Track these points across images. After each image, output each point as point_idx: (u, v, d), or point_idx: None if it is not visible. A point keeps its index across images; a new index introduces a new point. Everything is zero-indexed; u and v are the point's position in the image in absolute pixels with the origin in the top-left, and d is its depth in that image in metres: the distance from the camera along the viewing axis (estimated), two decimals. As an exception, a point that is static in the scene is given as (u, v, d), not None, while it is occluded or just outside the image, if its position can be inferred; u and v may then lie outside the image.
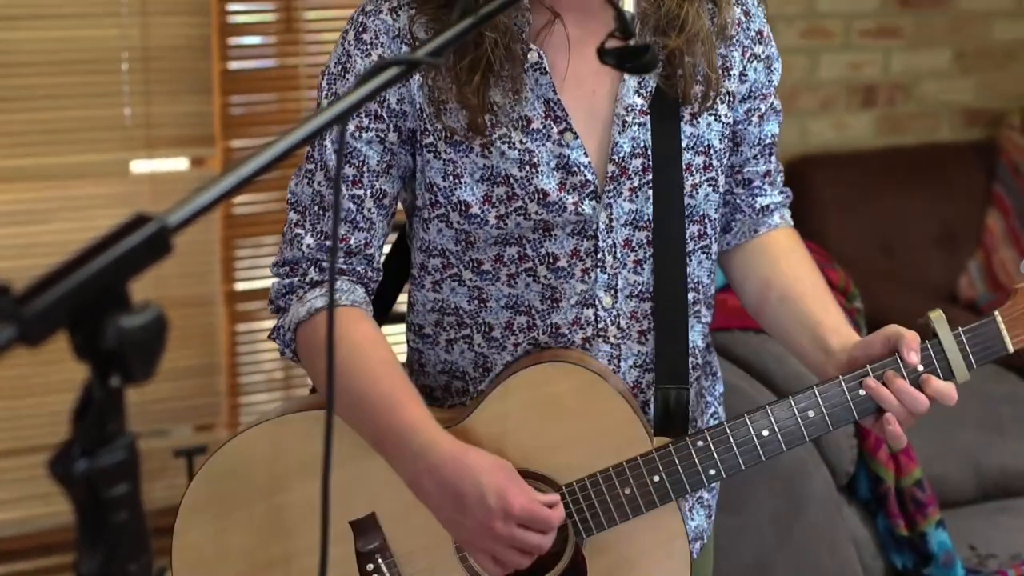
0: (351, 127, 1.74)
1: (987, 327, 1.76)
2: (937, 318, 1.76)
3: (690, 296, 1.84)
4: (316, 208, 1.80)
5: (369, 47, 1.73)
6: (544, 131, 1.73)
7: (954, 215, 4.49)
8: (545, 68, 1.72)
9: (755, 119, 1.87)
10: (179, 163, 3.81)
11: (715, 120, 1.81)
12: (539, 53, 1.72)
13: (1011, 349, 1.78)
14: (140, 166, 3.72)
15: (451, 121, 1.72)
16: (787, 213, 2.01)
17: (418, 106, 1.75)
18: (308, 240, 1.79)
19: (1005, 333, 1.77)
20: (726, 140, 1.84)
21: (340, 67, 1.76)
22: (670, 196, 1.78)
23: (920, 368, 1.71)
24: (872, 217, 4.37)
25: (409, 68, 1.15)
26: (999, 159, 4.57)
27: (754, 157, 1.91)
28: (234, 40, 3.74)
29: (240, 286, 3.82)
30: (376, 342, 1.77)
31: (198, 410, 3.80)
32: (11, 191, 3.57)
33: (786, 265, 1.93)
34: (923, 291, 4.22)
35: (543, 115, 1.74)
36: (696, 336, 1.88)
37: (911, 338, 1.71)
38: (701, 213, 1.84)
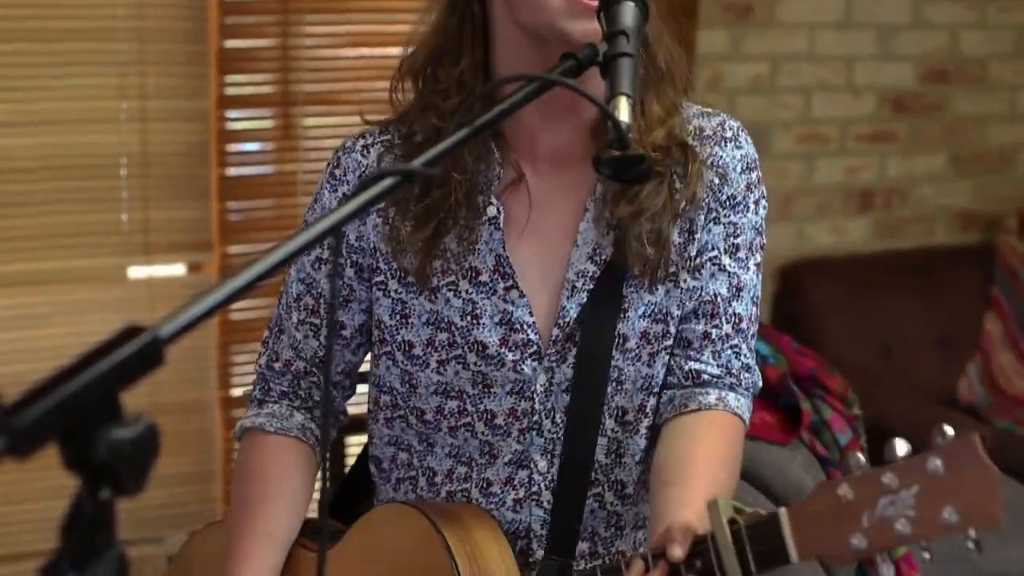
0: (311, 256, 1.79)
1: (766, 526, 1.45)
2: (713, 506, 1.46)
3: (596, 476, 1.81)
4: (276, 328, 1.88)
5: (337, 183, 1.79)
6: (491, 285, 1.74)
7: (952, 319, 4.47)
8: (499, 224, 1.72)
9: (692, 272, 1.78)
10: (176, 268, 3.79)
11: (674, 286, 1.77)
12: (498, 208, 1.72)
13: (794, 558, 1.41)
14: (137, 271, 3.71)
15: (405, 262, 1.74)
16: (735, 400, 1.81)
17: (372, 244, 1.77)
18: (262, 360, 1.88)
19: (789, 538, 1.42)
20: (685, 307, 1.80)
21: (314, 198, 1.83)
22: (593, 367, 1.74)
23: (697, 564, 1.48)
24: (870, 321, 4.36)
25: (405, 178, 1.16)
26: (996, 262, 4.58)
27: (693, 314, 1.80)
28: (232, 146, 3.74)
29: (236, 392, 3.79)
30: (273, 478, 1.81)
31: (193, 516, 3.75)
32: (7, 296, 3.55)
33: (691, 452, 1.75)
34: (922, 395, 4.20)
35: (492, 269, 1.74)
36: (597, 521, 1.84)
37: (680, 531, 1.49)
38: (660, 384, 1.81)
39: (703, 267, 1.78)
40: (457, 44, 1.70)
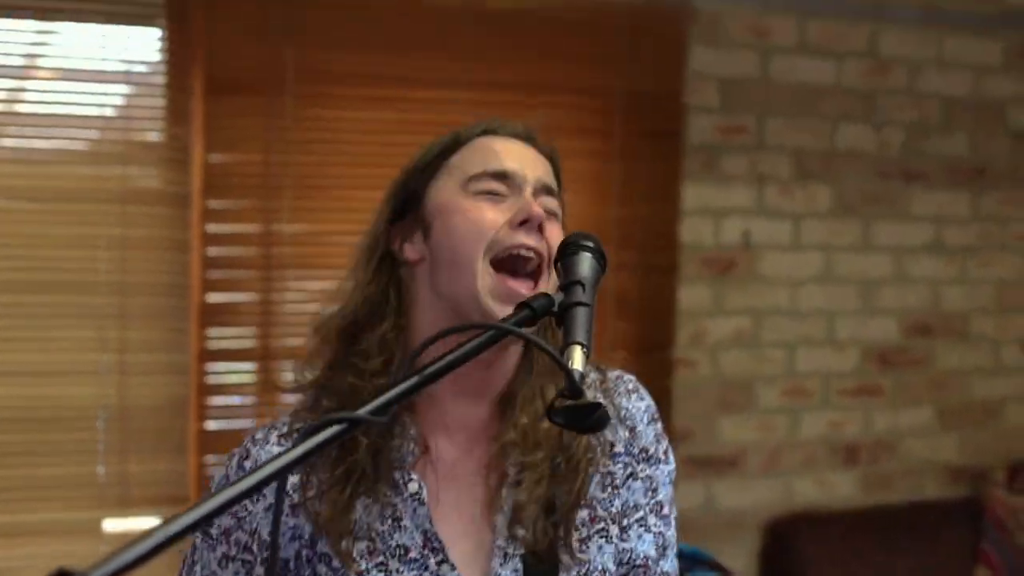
0: (218, 553, 1.69)
1: None
2: None
3: None
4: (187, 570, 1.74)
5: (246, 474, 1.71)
6: (422, 561, 1.68)
7: (942, 573, 4.41)
8: (423, 499, 1.68)
9: (619, 533, 1.76)
10: (152, 522, 3.70)
11: (606, 542, 1.74)
12: (419, 483, 1.68)
13: None
14: (112, 524, 3.66)
15: (326, 547, 1.68)
16: None
17: (300, 530, 1.69)
18: None
19: None
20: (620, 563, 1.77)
21: (219, 488, 1.70)
22: None
23: None
24: (859, 577, 4.26)
25: (351, 426, 1.16)
26: (985, 516, 4.53)
27: None
28: (212, 400, 3.73)
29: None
30: None
31: None
32: (-21, 548, 3.48)
33: None
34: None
35: (421, 545, 1.68)
36: None
37: None
38: None
39: (630, 529, 1.77)
40: (381, 307, 1.71)
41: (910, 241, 4.66)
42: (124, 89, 3.66)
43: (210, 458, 3.71)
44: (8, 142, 3.57)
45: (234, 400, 3.81)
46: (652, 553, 1.78)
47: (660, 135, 4.21)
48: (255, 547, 1.69)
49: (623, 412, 1.78)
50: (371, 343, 1.69)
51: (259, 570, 1.69)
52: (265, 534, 1.69)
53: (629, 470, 1.77)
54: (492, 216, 1.66)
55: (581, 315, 1.39)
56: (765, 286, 4.45)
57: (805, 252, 4.52)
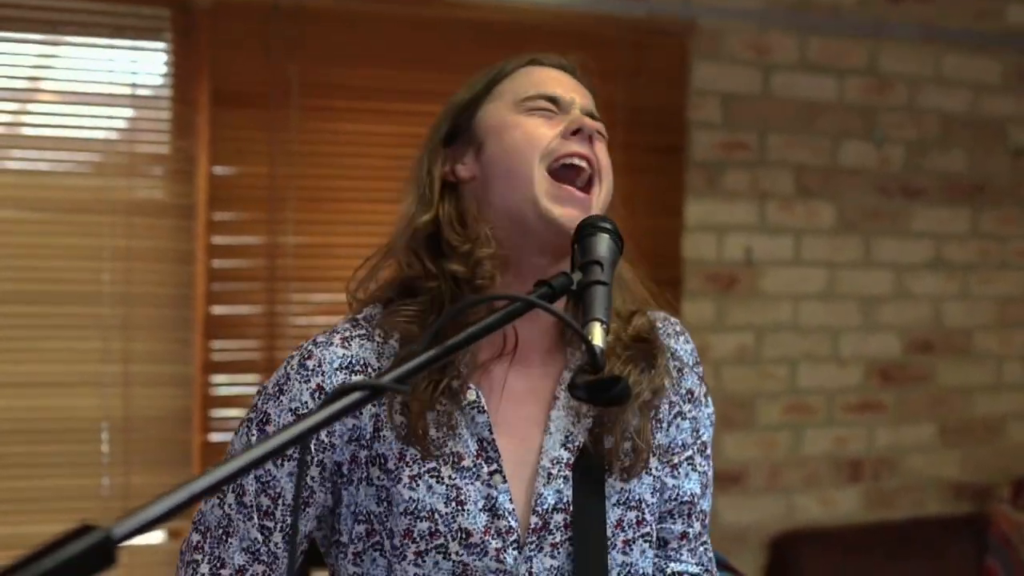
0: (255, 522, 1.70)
1: None
2: None
3: None
4: (220, 532, 1.72)
5: (310, 373, 1.69)
6: (475, 470, 1.69)
7: (947, 592, 4.38)
8: (483, 407, 1.70)
9: (669, 471, 1.83)
10: (156, 535, 3.71)
11: (646, 473, 1.78)
12: (477, 392, 1.70)
13: None
14: None
15: (383, 448, 1.69)
16: None
17: (360, 431, 1.71)
18: (203, 568, 1.72)
19: None
20: (657, 494, 1.81)
21: (277, 388, 1.71)
22: (591, 557, 1.71)
23: None
24: (863, 594, 4.25)
25: (374, 393, 1.16)
26: (990, 532, 4.52)
27: (670, 514, 1.85)
28: (216, 413, 3.72)
29: None
30: None
31: None
32: (-19, 562, 3.48)
33: None
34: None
35: (475, 454, 1.70)
36: None
37: None
38: (641, 572, 1.78)
39: (679, 467, 1.84)
40: (450, 231, 1.73)
41: (911, 258, 4.66)
42: (130, 102, 3.67)
43: None
44: (14, 160, 3.59)
45: (238, 413, 3.77)
46: (697, 491, 1.86)
47: (663, 150, 4.21)
48: (311, 447, 1.70)
49: (671, 351, 1.84)
50: (470, 242, 1.71)
51: (314, 471, 1.70)
52: (323, 434, 1.69)
53: (676, 409, 1.83)
54: (545, 130, 1.71)
55: (600, 293, 1.41)
56: (767, 302, 4.45)
57: (807, 268, 4.51)
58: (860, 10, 4.52)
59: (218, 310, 3.72)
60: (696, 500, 1.86)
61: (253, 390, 3.76)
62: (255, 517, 1.71)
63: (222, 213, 3.72)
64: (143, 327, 3.65)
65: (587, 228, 1.53)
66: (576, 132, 1.70)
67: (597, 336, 1.34)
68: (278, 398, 1.70)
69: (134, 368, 3.64)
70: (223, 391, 3.75)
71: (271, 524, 1.70)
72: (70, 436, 3.59)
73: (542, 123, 1.73)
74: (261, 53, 3.74)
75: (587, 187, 1.70)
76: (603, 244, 1.50)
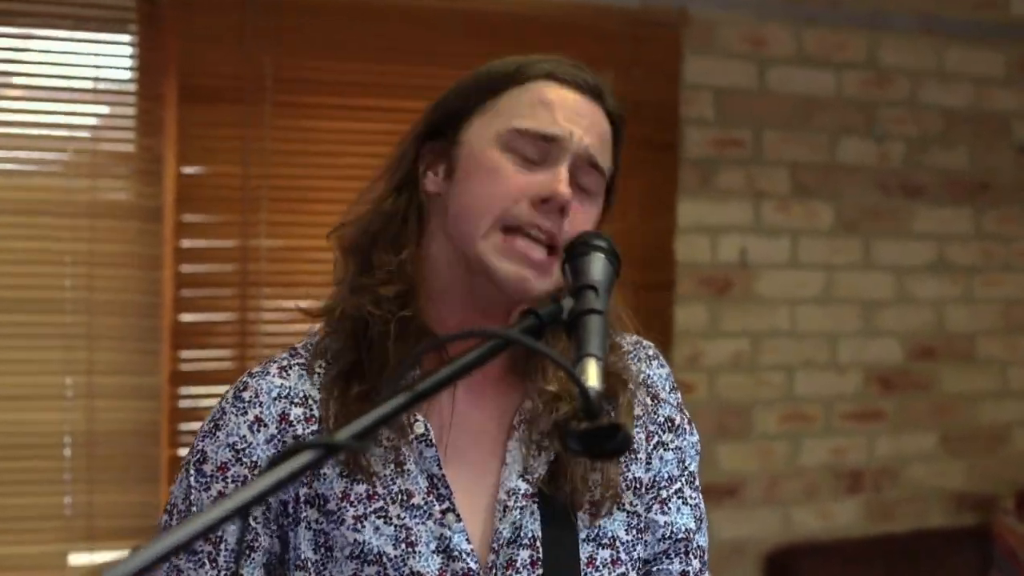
0: (212, 492, 1.59)
1: None
2: None
3: None
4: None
5: (247, 405, 1.62)
6: (426, 508, 1.58)
7: (950, 606, 4.35)
8: (431, 440, 1.59)
9: (657, 506, 1.70)
10: (121, 556, 3.56)
11: (618, 509, 1.65)
12: (425, 424, 1.59)
13: None
14: (79, 559, 3.56)
15: (323, 487, 1.58)
16: None
17: None
18: None
19: None
20: (633, 531, 1.67)
21: (212, 424, 1.63)
22: None
23: None
24: (864, 609, 4.22)
25: (327, 452, 1.07)
26: (994, 545, 4.46)
27: (665, 554, 1.71)
28: (185, 426, 3.62)
29: None
30: None
31: None
32: (-64, 587, 3.43)
33: None
34: None
35: (425, 491, 1.59)
36: None
37: None
38: None
39: (669, 501, 1.71)
40: (400, 230, 1.63)
41: (912, 259, 4.59)
42: (93, 98, 3.61)
43: None
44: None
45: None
46: (692, 525, 1.73)
47: (655, 147, 4.12)
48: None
49: (643, 377, 1.71)
50: (389, 266, 1.60)
51: (257, 511, 1.60)
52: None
53: (656, 439, 1.70)
54: (517, 185, 1.56)
55: (594, 324, 1.28)
56: (763, 307, 4.36)
57: (804, 271, 4.43)
58: (858, 0, 4.45)
59: (187, 318, 3.66)
60: (692, 535, 1.73)
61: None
62: (192, 568, 1.60)
63: (191, 215, 3.66)
64: (107, 336, 3.57)
65: (579, 246, 1.42)
66: (546, 201, 1.54)
67: (593, 376, 1.21)
68: (214, 434, 1.63)
69: (98, 380, 3.55)
70: (192, 403, 3.67)
71: (214, 573, 1.59)
72: (30, 452, 3.53)
73: (518, 173, 1.56)
74: (233, 45, 3.67)
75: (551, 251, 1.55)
76: (598, 266, 1.38)
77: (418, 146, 1.66)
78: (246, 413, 1.61)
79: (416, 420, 1.59)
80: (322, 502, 1.58)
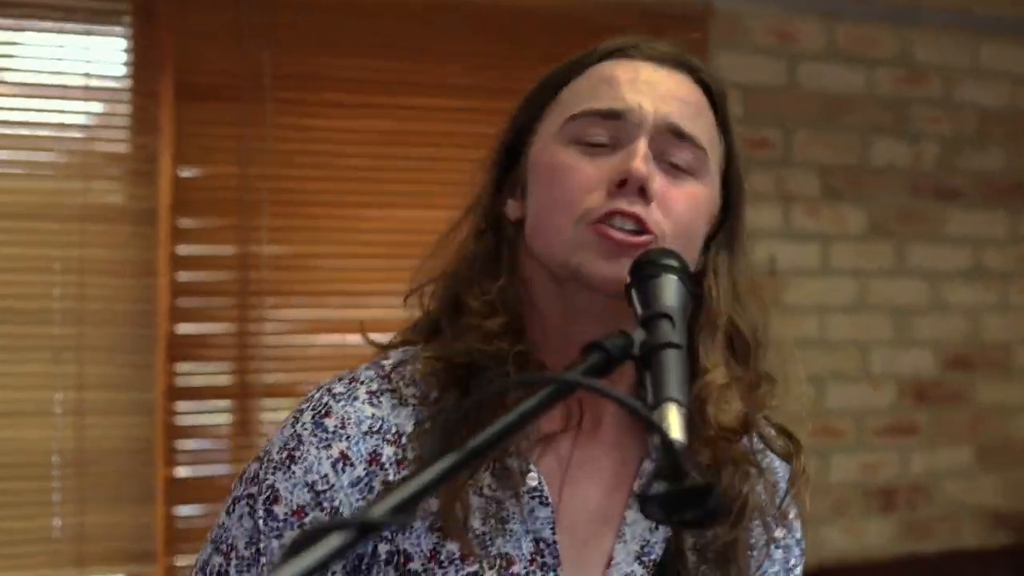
0: (286, 540, 1.36)
1: None
2: None
3: None
4: None
5: (331, 437, 1.37)
6: None
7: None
8: (546, 498, 1.37)
9: None
10: (114, 583, 3.49)
11: None
12: (540, 477, 1.37)
13: None
14: None
15: (407, 542, 1.36)
16: None
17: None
18: None
19: None
20: None
21: (286, 454, 1.38)
22: None
23: None
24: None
25: (361, 534, 0.88)
26: (1031, 568, 4.41)
27: None
28: (181, 443, 3.56)
29: None
30: None
31: None
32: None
33: None
34: None
35: (529, 558, 1.38)
36: None
37: None
38: None
39: None
40: (493, 264, 1.43)
41: (947, 265, 4.48)
42: (84, 95, 3.55)
43: (179, 509, 3.53)
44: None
45: (206, 444, 3.65)
46: None
47: (679, 148, 3.95)
48: None
49: (767, 462, 1.47)
50: (489, 298, 1.40)
51: None
52: (347, 512, 1.37)
53: (768, 534, 1.47)
54: (587, 176, 1.34)
55: (672, 361, 1.09)
56: (791, 315, 4.22)
57: (834, 278, 4.32)
58: (891, -6, 4.37)
59: (183, 329, 3.59)
60: None
61: (222, 419, 3.65)
62: None
63: (188, 219, 3.60)
64: (98, 348, 3.50)
65: (646, 266, 1.22)
66: (622, 184, 1.32)
67: (675, 425, 1.03)
68: (288, 468, 1.37)
69: (88, 395, 3.48)
70: (189, 420, 3.60)
71: None
72: (16, 471, 3.44)
73: (586, 164, 1.35)
74: (231, 39, 3.60)
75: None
76: (670, 290, 1.18)
77: (495, 175, 1.47)
78: (330, 446, 1.37)
79: (530, 471, 1.38)
80: (404, 560, 1.37)
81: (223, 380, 3.63)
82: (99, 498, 3.46)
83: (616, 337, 1.11)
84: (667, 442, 0.99)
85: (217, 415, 3.64)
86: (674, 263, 1.21)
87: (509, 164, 1.45)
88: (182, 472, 3.54)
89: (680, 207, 1.33)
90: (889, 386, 4.40)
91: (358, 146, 3.73)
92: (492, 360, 1.35)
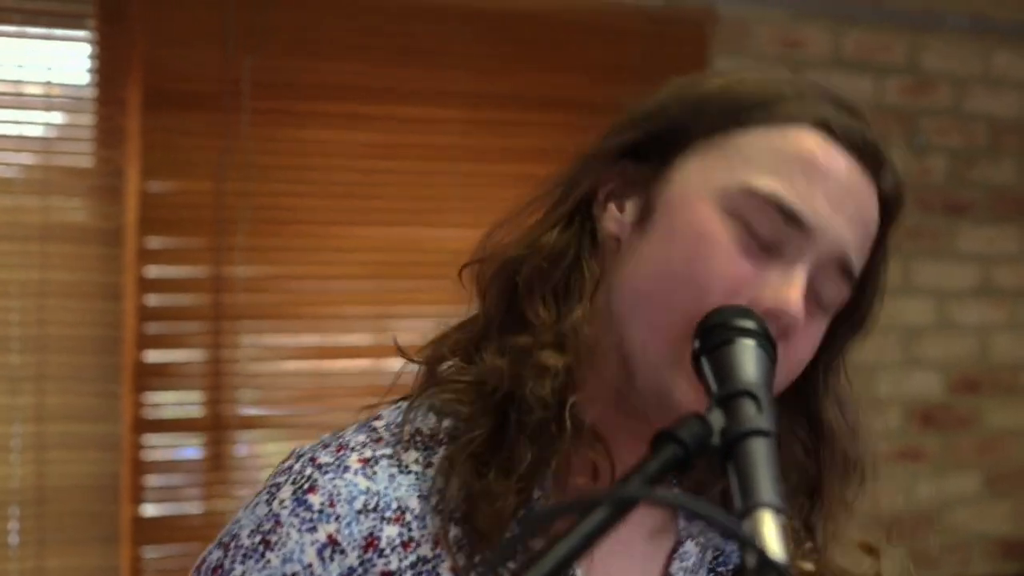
0: None
1: None
2: None
3: None
4: None
5: (316, 518, 1.16)
6: None
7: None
8: None
9: None
10: (75, 629, 3.40)
11: None
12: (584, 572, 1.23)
13: None
14: None
15: None
16: None
17: None
18: None
19: None
20: None
21: (260, 539, 1.16)
22: None
23: None
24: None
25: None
26: (1042, 599, 4.34)
27: None
28: (149, 480, 3.49)
29: None
30: None
31: None
32: None
33: None
34: None
35: None
36: None
37: None
38: None
39: None
40: (568, 277, 1.21)
41: (955, 283, 4.43)
42: (44, 104, 3.51)
43: (147, 550, 3.44)
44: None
45: (176, 480, 3.58)
46: None
47: (680, 159, 3.87)
48: None
49: None
50: (555, 326, 1.19)
51: None
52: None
53: None
54: (732, 274, 1.13)
55: (761, 452, 0.92)
56: None
57: None
58: (901, -1, 4.32)
59: (151, 356, 3.53)
60: None
61: (193, 453, 3.58)
62: None
63: (156, 238, 3.54)
64: (60, 378, 3.44)
65: (716, 329, 1.06)
66: (768, 313, 1.13)
67: (771, 537, 0.86)
68: (262, 556, 1.15)
69: (49, 428, 3.42)
70: (157, 454, 3.53)
71: None
72: None
73: (739, 255, 1.14)
74: (207, 44, 3.53)
75: None
76: (748, 359, 1.02)
77: (605, 166, 1.25)
78: (315, 529, 1.16)
79: (575, 570, 1.21)
80: None
81: (194, 411, 3.58)
82: (60, 539, 3.40)
83: (692, 422, 0.95)
84: (766, 560, 0.83)
85: (187, 449, 3.59)
86: (751, 325, 1.05)
87: (630, 151, 1.23)
88: (150, 510, 3.48)
89: (804, 351, 1.17)
90: (895, 410, 4.34)
91: (344, 159, 3.67)
92: (537, 404, 1.16)
